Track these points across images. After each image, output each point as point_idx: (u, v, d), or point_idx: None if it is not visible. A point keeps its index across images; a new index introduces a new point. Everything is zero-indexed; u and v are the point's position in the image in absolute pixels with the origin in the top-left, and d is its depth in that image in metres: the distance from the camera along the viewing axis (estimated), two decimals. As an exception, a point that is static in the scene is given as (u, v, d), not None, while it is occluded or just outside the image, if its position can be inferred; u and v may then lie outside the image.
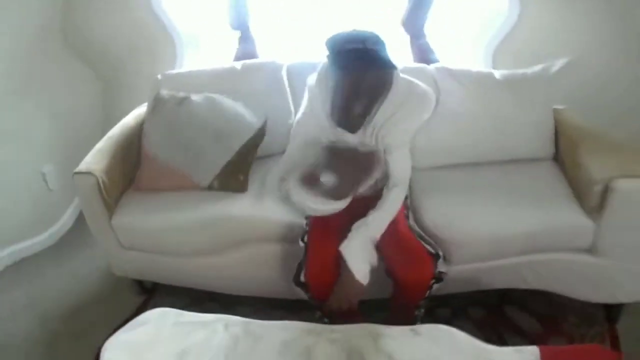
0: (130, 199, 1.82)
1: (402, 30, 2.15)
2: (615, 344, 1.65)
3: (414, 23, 2.12)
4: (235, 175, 1.79)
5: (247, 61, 2.05)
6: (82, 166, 1.71)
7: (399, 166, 1.49)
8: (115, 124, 2.00)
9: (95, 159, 1.76)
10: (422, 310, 1.54)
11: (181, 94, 1.84)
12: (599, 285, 1.64)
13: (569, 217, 1.59)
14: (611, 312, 1.76)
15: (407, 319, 1.50)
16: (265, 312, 1.86)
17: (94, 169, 1.70)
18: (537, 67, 1.87)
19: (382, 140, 1.44)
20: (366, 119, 1.40)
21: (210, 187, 1.77)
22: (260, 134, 1.85)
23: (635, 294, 1.64)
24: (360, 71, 1.27)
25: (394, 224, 1.48)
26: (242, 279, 1.81)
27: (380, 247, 1.46)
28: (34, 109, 2.29)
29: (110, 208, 1.75)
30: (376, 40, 1.28)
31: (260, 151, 1.89)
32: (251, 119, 1.84)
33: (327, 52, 1.33)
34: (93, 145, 1.85)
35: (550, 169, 1.83)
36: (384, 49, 1.29)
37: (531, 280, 1.69)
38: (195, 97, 1.83)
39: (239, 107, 1.86)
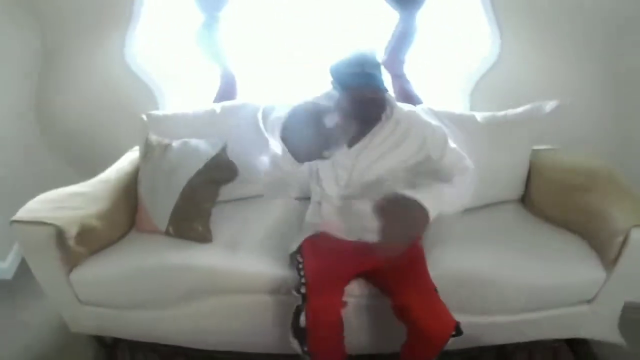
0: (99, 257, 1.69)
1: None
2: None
3: (394, 62, 2.14)
4: (189, 223, 1.68)
5: (226, 103, 2.03)
6: (30, 215, 1.53)
7: (455, 157, 1.47)
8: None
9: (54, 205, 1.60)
10: None
11: (166, 141, 1.83)
12: (572, 325, 1.67)
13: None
14: (572, 344, 1.79)
15: None
16: None
17: (50, 218, 1.52)
18: (518, 109, 1.89)
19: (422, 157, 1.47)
20: (365, 135, 1.47)
21: (167, 233, 1.71)
22: (214, 164, 1.74)
23: (598, 332, 1.67)
24: (357, 92, 1.35)
25: (420, 270, 1.48)
26: (215, 333, 1.69)
27: (402, 292, 1.42)
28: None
29: (74, 260, 1.60)
30: (373, 64, 1.37)
31: (234, 193, 1.82)
32: (205, 149, 1.77)
33: (330, 76, 1.41)
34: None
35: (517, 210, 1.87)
36: (380, 72, 1.38)
37: (531, 334, 1.67)
38: (175, 144, 1.81)
39: (202, 144, 1.83)
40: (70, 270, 1.61)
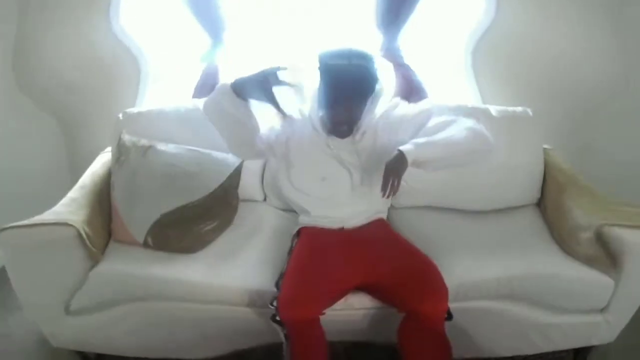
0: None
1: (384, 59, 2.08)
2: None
3: (390, 49, 2.06)
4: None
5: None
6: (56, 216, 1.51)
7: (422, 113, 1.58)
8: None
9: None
10: None
11: (144, 142, 1.71)
12: (580, 335, 1.63)
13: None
14: (578, 352, 1.76)
15: None
16: None
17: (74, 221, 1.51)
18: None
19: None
20: (353, 128, 1.55)
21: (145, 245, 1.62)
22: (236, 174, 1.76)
23: (604, 337, 1.64)
24: (342, 86, 1.42)
25: (408, 248, 1.51)
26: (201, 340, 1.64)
27: (387, 275, 1.43)
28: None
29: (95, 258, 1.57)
30: (362, 56, 1.43)
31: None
32: (229, 161, 1.76)
33: (318, 64, 1.45)
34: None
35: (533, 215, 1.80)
36: (371, 64, 1.43)
37: (542, 344, 1.62)
38: (161, 146, 1.72)
39: (210, 153, 1.77)
40: (93, 266, 1.57)
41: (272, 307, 1.39)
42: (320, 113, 1.57)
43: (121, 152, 1.71)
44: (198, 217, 1.64)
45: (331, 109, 1.50)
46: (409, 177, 1.70)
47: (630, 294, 1.53)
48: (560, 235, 1.62)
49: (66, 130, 2.40)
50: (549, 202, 1.78)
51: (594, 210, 1.54)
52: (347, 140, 1.59)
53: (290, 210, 1.83)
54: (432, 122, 1.57)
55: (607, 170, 2.10)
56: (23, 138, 2.26)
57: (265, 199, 1.95)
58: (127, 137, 1.74)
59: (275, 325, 1.39)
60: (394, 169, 1.38)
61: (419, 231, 1.70)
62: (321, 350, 1.40)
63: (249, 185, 1.89)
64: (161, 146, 1.71)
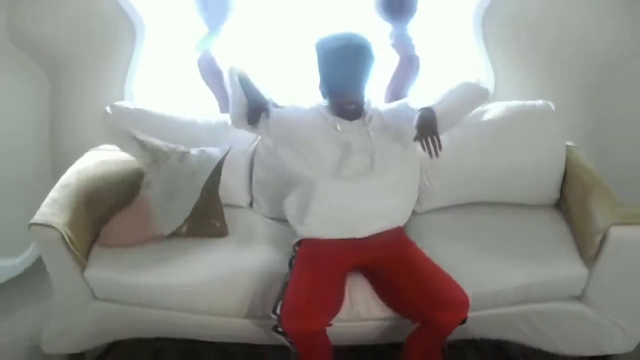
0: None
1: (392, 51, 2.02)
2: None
3: (401, 38, 1.98)
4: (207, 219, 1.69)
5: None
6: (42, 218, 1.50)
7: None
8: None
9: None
10: None
11: (182, 148, 1.76)
12: (589, 339, 1.58)
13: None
14: None
15: None
16: None
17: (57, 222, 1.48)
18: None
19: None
20: (361, 108, 1.54)
21: (178, 234, 1.67)
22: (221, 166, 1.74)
23: (621, 346, 1.57)
24: (345, 63, 1.45)
25: (420, 260, 1.47)
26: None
27: (401, 288, 1.41)
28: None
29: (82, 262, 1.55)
30: (358, 35, 1.49)
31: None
32: (216, 153, 1.75)
33: (316, 53, 1.50)
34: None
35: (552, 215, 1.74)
36: (368, 42, 1.48)
37: (529, 333, 1.57)
38: (194, 151, 1.76)
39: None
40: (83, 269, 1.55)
41: (275, 317, 1.36)
42: (326, 100, 1.56)
43: (159, 156, 1.73)
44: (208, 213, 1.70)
45: (338, 90, 1.51)
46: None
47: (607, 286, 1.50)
48: (583, 240, 1.54)
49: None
50: (573, 204, 1.68)
51: (611, 213, 1.48)
52: (357, 123, 1.54)
53: (281, 219, 1.71)
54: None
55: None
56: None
57: (251, 204, 1.86)
58: (162, 142, 1.77)
59: (278, 336, 1.36)
60: (427, 125, 1.37)
61: (435, 237, 1.65)
62: (327, 356, 1.39)
63: (233, 187, 1.80)
64: (194, 151, 1.75)
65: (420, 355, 1.40)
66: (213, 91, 2.05)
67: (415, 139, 1.38)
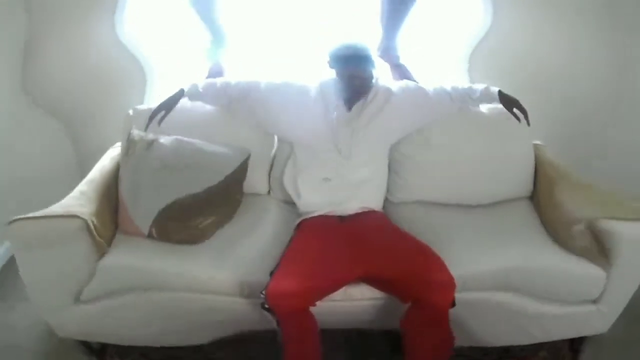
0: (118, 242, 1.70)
1: (380, 59, 2.15)
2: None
3: (388, 51, 2.13)
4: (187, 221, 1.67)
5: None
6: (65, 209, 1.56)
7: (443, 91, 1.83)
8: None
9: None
10: None
11: (150, 136, 1.76)
12: (574, 325, 1.68)
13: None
14: (573, 342, 1.81)
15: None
16: None
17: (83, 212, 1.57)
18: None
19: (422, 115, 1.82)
20: (360, 100, 1.75)
21: (149, 236, 1.67)
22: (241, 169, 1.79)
23: (598, 328, 1.69)
24: (353, 66, 1.69)
25: (409, 239, 1.59)
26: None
27: (390, 266, 1.48)
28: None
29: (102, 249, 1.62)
30: (364, 48, 1.71)
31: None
32: (233, 154, 1.79)
33: (328, 59, 1.74)
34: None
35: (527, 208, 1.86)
36: (369, 54, 1.71)
37: (538, 335, 1.68)
38: (163, 140, 1.75)
39: (213, 147, 1.79)
40: (100, 258, 1.61)
41: (262, 296, 1.42)
42: (339, 97, 1.75)
43: (129, 147, 1.76)
44: (197, 210, 1.67)
45: (348, 83, 1.71)
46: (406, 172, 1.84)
47: (621, 285, 1.58)
48: (555, 229, 1.66)
49: (73, 130, 2.50)
50: (542, 196, 1.83)
51: (587, 203, 1.59)
52: (356, 106, 1.75)
53: (292, 202, 1.88)
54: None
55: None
56: (33, 139, 2.37)
57: (269, 192, 2.00)
58: (135, 132, 1.79)
59: (266, 313, 1.43)
60: (509, 100, 1.72)
61: (416, 225, 1.75)
62: (312, 337, 1.45)
63: (255, 178, 1.92)
64: (164, 139, 1.75)
65: (418, 335, 1.46)
66: None
67: (506, 107, 1.73)
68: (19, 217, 1.51)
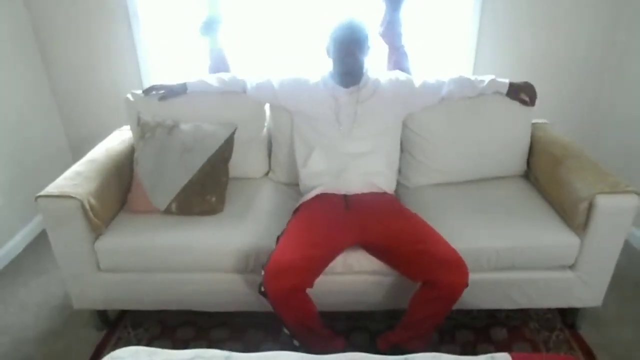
0: (120, 221, 1.81)
1: (382, 38, 2.21)
2: (588, 352, 1.74)
3: (392, 34, 2.18)
4: (201, 197, 1.78)
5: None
6: (59, 189, 1.65)
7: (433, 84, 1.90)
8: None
9: (75, 181, 1.70)
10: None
11: (169, 122, 1.89)
12: (559, 294, 1.74)
13: (556, 235, 1.66)
14: (566, 317, 1.88)
15: (425, 333, 1.57)
16: (243, 334, 1.84)
17: (77, 193, 1.64)
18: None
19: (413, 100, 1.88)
20: (357, 79, 1.80)
21: (167, 212, 1.79)
22: (227, 145, 1.86)
23: (586, 300, 1.75)
24: (349, 46, 1.71)
25: (419, 221, 1.63)
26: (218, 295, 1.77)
27: (402, 250, 1.53)
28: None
29: (96, 230, 1.70)
30: (357, 19, 1.74)
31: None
32: (219, 131, 1.87)
33: (327, 42, 1.78)
34: (52, 164, 1.76)
35: (522, 186, 1.94)
36: (366, 34, 1.74)
37: (519, 300, 1.73)
38: (183, 126, 1.88)
39: (205, 127, 1.89)
40: (94, 240, 1.71)
41: (262, 274, 1.46)
42: (333, 71, 1.81)
43: (145, 131, 1.87)
44: (202, 190, 1.79)
45: (342, 61, 1.75)
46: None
47: (596, 252, 1.65)
48: (563, 208, 1.71)
49: (66, 111, 2.66)
50: (542, 175, 1.88)
51: (594, 182, 1.62)
52: (352, 89, 1.79)
53: (292, 184, 1.97)
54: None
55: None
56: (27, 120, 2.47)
57: (267, 173, 2.09)
58: (149, 117, 1.90)
59: (262, 298, 1.48)
60: (516, 88, 1.87)
61: (418, 208, 1.78)
62: (313, 315, 1.51)
63: (251, 160, 2.03)
64: (184, 125, 1.88)
65: (422, 310, 1.50)
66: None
67: (513, 97, 1.88)
68: (44, 193, 1.63)
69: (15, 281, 2.18)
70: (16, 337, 1.87)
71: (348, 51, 1.71)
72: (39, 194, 1.62)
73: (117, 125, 2.18)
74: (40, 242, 2.43)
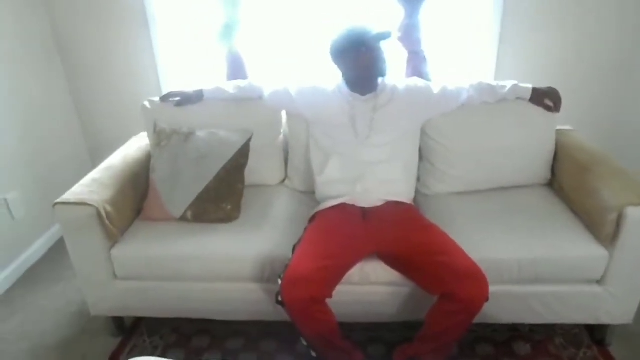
0: (136, 229, 1.82)
1: (400, 43, 2.20)
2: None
3: (410, 38, 2.16)
4: (217, 204, 1.78)
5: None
6: (76, 196, 1.67)
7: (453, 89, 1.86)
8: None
9: (92, 188, 1.72)
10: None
11: (184, 129, 1.90)
12: (586, 309, 1.67)
13: (583, 247, 1.61)
14: (594, 333, 1.80)
15: (443, 347, 1.52)
16: (258, 343, 1.83)
17: (94, 200, 1.66)
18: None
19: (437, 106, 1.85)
20: (373, 85, 1.78)
21: (183, 219, 1.79)
22: (243, 152, 1.86)
23: (616, 316, 1.68)
24: (360, 54, 1.68)
25: (440, 236, 1.57)
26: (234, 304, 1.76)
27: (420, 262, 1.49)
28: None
29: (112, 238, 1.72)
30: (360, 28, 1.68)
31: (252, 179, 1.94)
32: (234, 138, 1.87)
33: (331, 54, 1.74)
34: (71, 170, 1.78)
35: (546, 194, 1.88)
36: (364, 27, 1.68)
37: (543, 314, 1.68)
38: (199, 133, 1.89)
39: (221, 134, 1.89)
40: (110, 248, 1.72)
41: (279, 282, 1.44)
42: (348, 86, 1.79)
43: (161, 138, 1.88)
44: (218, 198, 1.78)
45: (353, 70, 1.73)
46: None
47: (626, 266, 1.58)
48: (590, 219, 1.65)
49: (85, 121, 2.73)
50: (567, 183, 1.82)
51: (623, 191, 1.56)
52: (369, 96, 1.77)
53: (308, 192, 1.96)
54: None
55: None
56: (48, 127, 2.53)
57: (284, 181, 2.08)
58: (165, 125, 1.92)
59: (279, 307, 1.45)
60: (540, 94, 1.83)
61: (438, 217, 1.76)
62: (332, 326, 1.48)
63: (268, 167, 2.03)
64: (200, 132, 1.88)
65: (444, 331, 1.46)
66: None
67: (536, 103, 1.84)
68: (60, 200, 1.65)
69: (36, 288, 2.22)
70: (35, 343, 1.90)
71: (356, 57, 1.67)
72: (56, 201, 1.65)
73: (137, 132, 2.21)
74: (60, 248, 2.47)
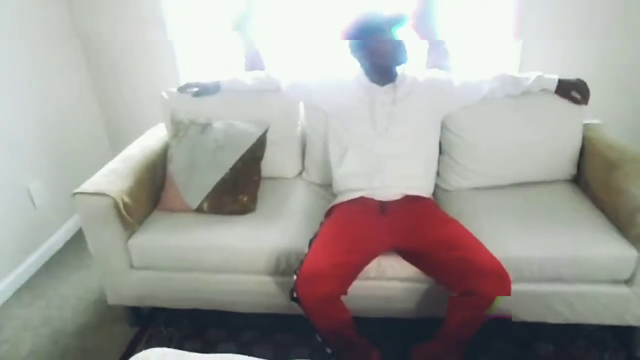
0: (154, 219, 1.83)
1: (416, 33, 2.11)
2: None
3: (425, 27, 2.07)
4: (233, 196, 1.77)
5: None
6: (94, 187, 1.69)
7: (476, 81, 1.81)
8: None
9: (110, 179, 1.74)
10: None
11: (202, 120, 1.89)
12: (611, 310, 1.61)
13: (609, 246, 1.55)
14: (621, 335, 1.74)
15: (460, 343, 1.50)
16: (273, 336, 1.83)
17: (111, 190, 1.67)
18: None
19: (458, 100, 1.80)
20: (392, 75, 1.73)
21: (199, 210, 1.79)
22: (260, 144, 1.85)
23: None
24: (374, 42, 1.63)
25: (461, 231, 1.54)
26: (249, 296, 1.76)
27: (440, 258, 1.47)
28: (22, 113, 2.25)
29: (129, 228, 1.73)
30: (382, 21, 1.64)
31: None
32: (251, 129, 1.86)
33: (346, 42, 1.69)
34: (92, 160, 1.82)
35: (571, 191, 1.83)
36: (384, 17, 1.65)
37: (566, 314, 1.63)
38: (216, 124, 1.88)
39: (238, 125, 1.88)
40: (128, 238, 1.74)
41: (295, 277, 1.43)
42: (367, 75, 1.74)
43: (179, 129, 1.88)
44: (234, 189, 1.78)
45: (368, 59, 1.69)
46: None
47: None
48: (618, 217, 1.60)
49: (106, 111, 2.76)
50: (594, 179, 1.76)
51: None
52: (388, 87, 1.72)
53: (326, 185, 1.94)
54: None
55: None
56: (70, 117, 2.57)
57: (301, 173, 2.07)
58: (183, 115, 1.91)
59: (294, 304, 1.44)
60: (568, 86, 1.76)
61: (460, 212, 1.73)
62: (347, 323, 1.47)
63: (285, 159, 2.02)
64: (217, 123, 1.88)
65: (461, 326, 1.45)
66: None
67: (562, 95, 1.78)
68: (80, 190, 1.67)
69: (58, 275, 2.27)
70: (56, 330, 1.94)
71: (371, 45, 1.62)
72: (75, 191, 1.67)
73: (156, 122, 2.22)
74: (81, 236, 2.45)
